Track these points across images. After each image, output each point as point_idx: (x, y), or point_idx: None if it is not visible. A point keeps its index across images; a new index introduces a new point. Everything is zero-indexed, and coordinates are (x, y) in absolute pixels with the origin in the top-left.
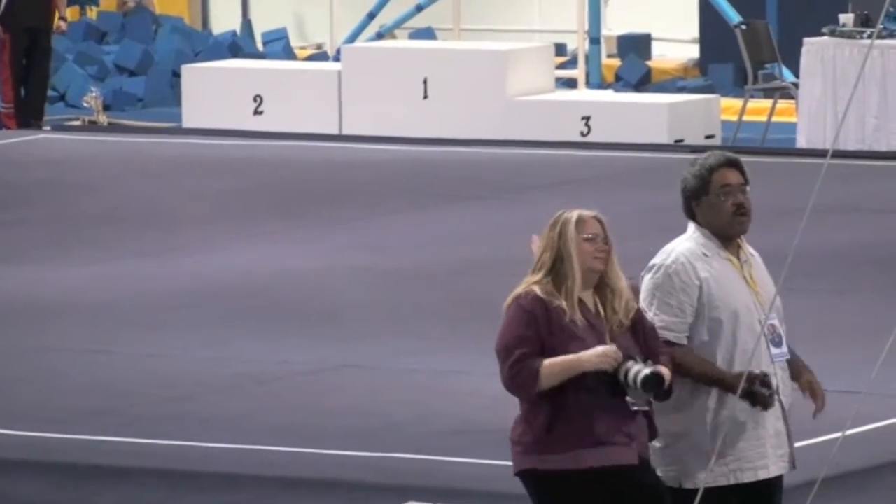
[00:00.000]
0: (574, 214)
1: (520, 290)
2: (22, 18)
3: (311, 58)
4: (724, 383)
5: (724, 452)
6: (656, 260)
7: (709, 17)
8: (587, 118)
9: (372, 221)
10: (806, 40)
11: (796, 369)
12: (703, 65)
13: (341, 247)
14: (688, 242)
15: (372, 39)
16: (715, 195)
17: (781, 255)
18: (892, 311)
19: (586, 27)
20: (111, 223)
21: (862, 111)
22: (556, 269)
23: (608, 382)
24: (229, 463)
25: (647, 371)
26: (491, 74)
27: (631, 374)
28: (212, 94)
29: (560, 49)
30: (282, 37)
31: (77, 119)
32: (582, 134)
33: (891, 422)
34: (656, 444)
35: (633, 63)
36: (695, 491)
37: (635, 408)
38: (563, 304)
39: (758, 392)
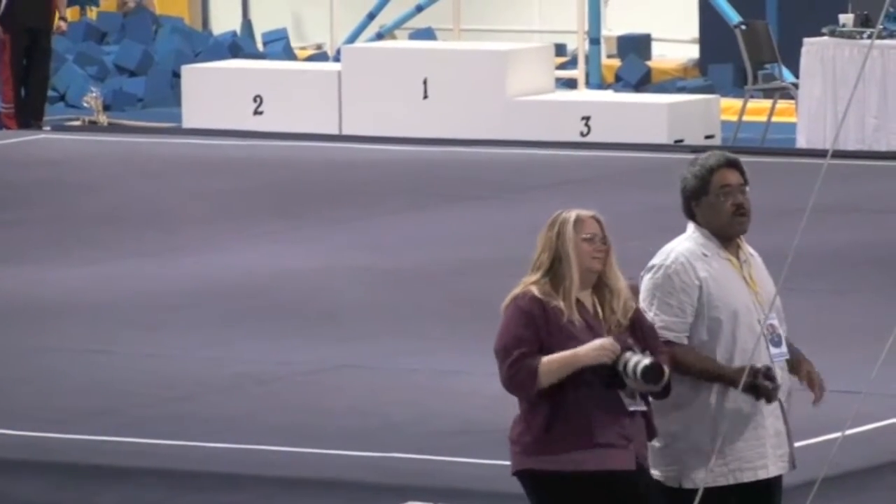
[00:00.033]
0: (572, 214)
1: (517, 290)
2: (22, 18)
3: (311, 58)
4: (726, 378)
5: (723, 452)
6: (656, 260)
7: (709, 18)
8: (587, 118)
9: (372, 221)
10: (806, 40)
11: (795, 360)
12: (702, 65)
13: (341, 247)
14: (687, 242)
15: (372, 40)
16: (714, 195)
17: (781, 255)
18: (892, 311)
19: (586, 27)
20: (111, 223)
21: (862, 111)
22: (554, 270)
23: (607, 375)
24: (229, 463)
25: (646, 361)
26: (491, 75)
27: (630, 365)
28: (212, 94)
29: (560, 49)
30: (282, 37)
31: (77, 119)
32: (582, 134)
33: (891, 422)
34: (656, 443)
35: (632, 63)
36: (694, 491)
37: (632, 408)
38: (561, 304)
39: (761, 385)
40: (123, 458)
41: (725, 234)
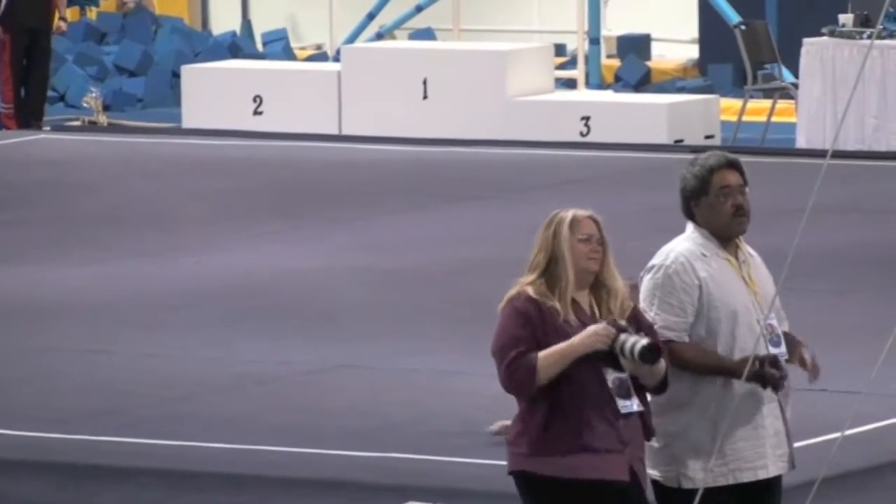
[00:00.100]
0: (569, 215)
1: (513, 291)
2: (22, 19)
3: (310, 58)
4: (729, 370)
5: (723, 452)
6: (655, 260)
7: (708, 18)
8: (587, 118)
9: (372, 221)
10: (805, 40)
11: (790, 344)
12: (702, 65)
13: (341, 247)
14: (686, 243)
15: (371, 40)
16: (714, 196)
17: (781, 255)
18: (892, 311)
19: (586, 27)
20: (111, 223)
21: (861, 111)
22: (550, 270)
23: (604, 360)
24: (229, 463)
25: (643, 342)
26: (491, 75)
27: (627, 346)
28: (212, 94)
29: (560, 49)
30: (281, 37)
31: (77, 119)
32: (581, 134)
33: (890, 422)
34: (655, 444)
35: (632, 63)
36: (693, 491)
37: (625, 410)
38: (557, 304)
39: (767, 373)
40: (123, 458)
41: (725, 234)
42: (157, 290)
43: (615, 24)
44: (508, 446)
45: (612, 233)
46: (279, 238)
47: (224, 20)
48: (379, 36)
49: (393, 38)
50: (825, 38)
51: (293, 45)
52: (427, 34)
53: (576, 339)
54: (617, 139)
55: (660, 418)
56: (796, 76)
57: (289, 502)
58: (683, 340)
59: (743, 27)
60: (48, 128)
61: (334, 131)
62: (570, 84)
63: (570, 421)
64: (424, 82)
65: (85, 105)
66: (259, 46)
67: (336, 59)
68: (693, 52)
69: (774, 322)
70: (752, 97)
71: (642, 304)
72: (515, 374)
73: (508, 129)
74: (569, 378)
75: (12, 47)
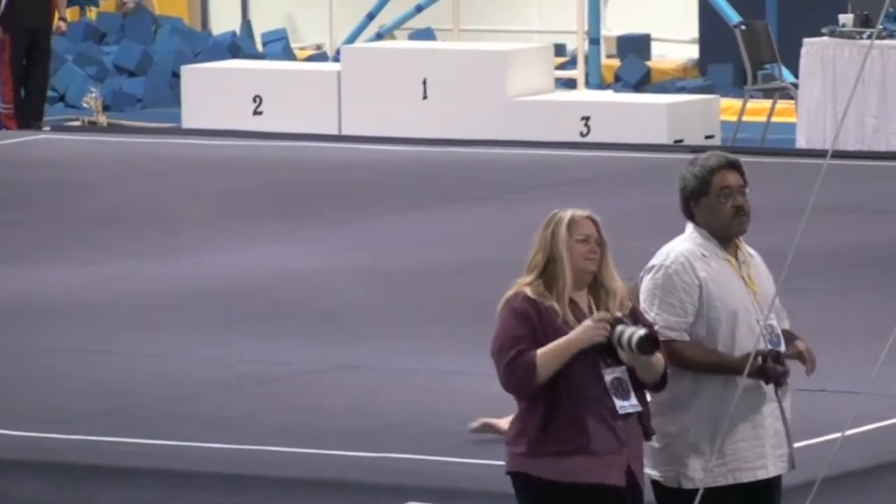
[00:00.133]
0: (567, 215)
1: (511, 292)
2: (22, 19)
3: (310, 58)
4: (730, 367)
5: (723, 452)
6: (655, 261)
7: (708, 18)
8: (587, 118)
9: (372, 221)
10: (805, 41)
11: (787, 340)
12: (702, 65)
13: (341, 247)
14: (686, 243)
15: (371, 40)
16: (715, 197)
17: (781, 255)
18: (892, 311)
19: (586, 27)
20: (111, 223)
21: (861, 111)
22: (548, 271)
23: (603, 353)
24: (229, 463)
25: (640, 332)
26: (490, 75)
27: (625, 337)
28: (211, 94)
29: (559, 49)
30: (281, 37)
31: (77, 119)
32: (581, 134)
33: (890, 422)
34: (655, 444)
35: (632, 63)
36: (693, 491)
37: (623, 411)
38: (555, 305)
39: (769, 367)
40: (123, 458)
41: (725, 234)
42: (157, 290)
43: (615, 24)
44: (507, 446)
45: (612, 233)
46: (279, 238)
47: (224, 20)
48: (379, 36)
49: (393, 38)
50: (825, 38)
51: (293, 45)
52: (427, 34)
53: (573, 333)
54: (617, 139)
55: (660, 418)
56: (796, 76)
57: (289, 502)
58: (684, 340)
59: (743, 27)
60: (48, 128)
61: (334, 131)
62: (570, 84)
63: (568, 422)
64: (424, 82)
65: (85, 105)
66: (259, 46)
67: (336, 59)
68: (693, 52)
69: (774, 322)
70: (752, 97)
71: (643, 305)
72: (515, 372)
73: (508, 129)
74: (567, 378)
75: (12, 47)
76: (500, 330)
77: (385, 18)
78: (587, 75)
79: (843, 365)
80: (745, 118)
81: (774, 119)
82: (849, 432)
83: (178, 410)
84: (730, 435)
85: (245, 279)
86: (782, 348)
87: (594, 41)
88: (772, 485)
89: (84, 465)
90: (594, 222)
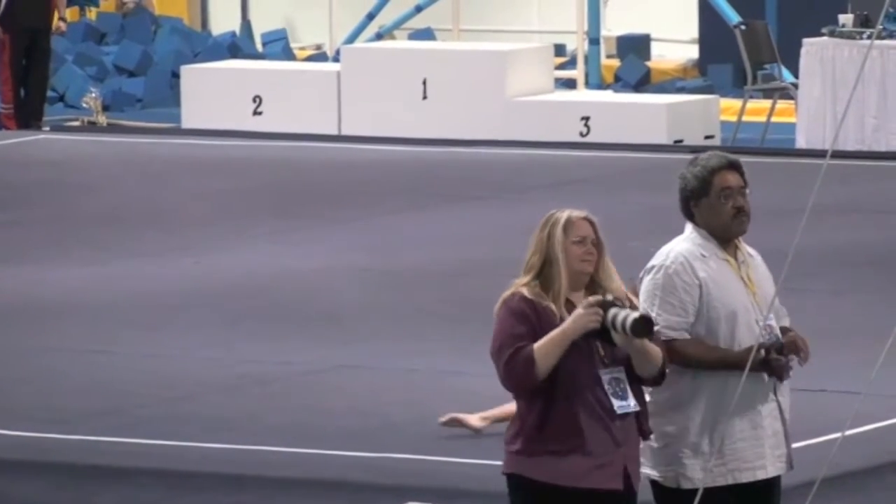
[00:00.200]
0: (563, 216)
1: (508, 292)
2: (22, 19)
3: (310, 58)
4: (732, 362)
5: (722, 452)
6: (654, 261)
7: (708, 18)
8: (586, 119)
9: (372, 222)
10: (805, 41)
11: (783, 333)
12: (702, 65)
13: (341, 247)
14: (685, 243)
15: (371, 40)
16: (715, 197)
17: (781, 255)
18: (892, 312)
19: (585, 28)
20: (111, 223)
21: (861, 111)
22: (545, 273)
23: (598, 338)
24: (229, 463)
25: (634, 315)
26: (490, 75)
27: (619, 320)
28: (211, 94)
29: (559, 49)
30: (281, 37)
31: (76, 120)
32: (581, 134)
33: (890, 422)
34: (654, 444)
35: (632, 63)
36: (692, 491)
37: (622, 411)
38: (552, 305)
39: (772, 359)
40: (123, 459)
41: (725, 235)
42: (157, 290)
43: (615, 25)
44: (505, 445)
45: (612, 233)
46: (279, 238)
47: (223, 20)
48: (378, 36)
49: (392, 38)
50: (825, 38)
51: (293, 45)
52: (427, 34)
53: (566, 323)
54: (617, 139)
55: (659, 419)
56: (796, 76)
57: (289, 502)
58: (685, 339)
59: (743, 27)
60: (48, 128)
61: (334, 131)
62: (570, 84)
63: (564, 421)
64: (424, 82)
65: (84, 105)
66: (259, 47)
67: (336, 59)
68: (693, 52)
69: (773, 322)
70: (751, 97)
71: (643, 306)
72: (515, 368)
73: (508, 130)
74: (564, 378)
75: (12, 47)
76: (498, 329)
77: (385, 18)
78: (587, 75)
79: (843, 365)
80: (744, 118)
81: (774, 119)
82: (848, 432)
83: (178, 410)
84: (729, 435)
85: (245, 279)
86: None
87: (594, 41)
88: (771, 485)
89: (84, 465)
90: (591, 223)
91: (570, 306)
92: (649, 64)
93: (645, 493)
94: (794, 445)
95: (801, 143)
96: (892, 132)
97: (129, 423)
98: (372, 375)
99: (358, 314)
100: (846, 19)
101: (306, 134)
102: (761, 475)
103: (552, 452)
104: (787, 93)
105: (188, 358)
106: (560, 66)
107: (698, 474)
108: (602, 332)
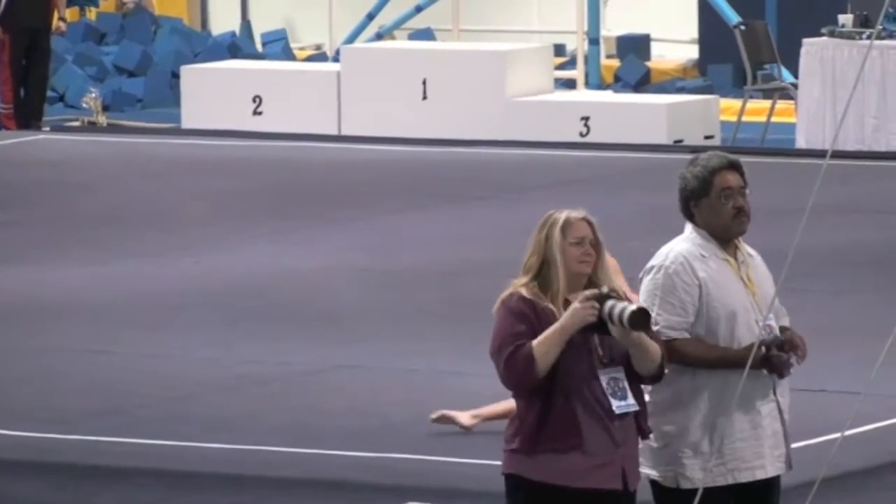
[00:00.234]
0: (561, 217)
1: (506, 293)
2: (21, 19)
3: (310, 58)
4: (733, 359)
5: (721, 452)
6: (654, 262)
7: (708, 18)
8: (586, 119)
9: (372, 222)
10: (805, 41)
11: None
12: (702, 65)
13: (341, 247)
14: (685, 243)
15: (371, 40)
16: (716, 197)
17: (781, 255)
18: (892, 312)
19: (585, 28)
20: (111, 223)
21: (861, 111)
22: (543, 273)
23: (596, 331)
24: (229, 463)
25: (632, 307)
26: (490, 75)
27: (616, 312)
28: (211, 94)
29: (559, 50)
30: (281, 37)
31: (76, 120)
32: (581, 134)
33: (890, 422)
34: (653, 444)
35: (632, 63)
36: (692, 491)
37: (620, 410)
38: (550, 306)
39: (773, 356)
40: (122, 459)
41: (725, 235)
42: (157, 290)
43: (615, 25)
44: (504, 445)
45: (612, 233)
46: (279, 238)
47: (223, 20)
48: (378, 36)
49: (392, 38)
50: (825, 38)
51: (292, 45)
52: (427, 34)
53: (564, 317)
54: (616, 139)
55: (658, 418)
56: (796, 76)
57: (289, 502)
58: (685, 338)
59: (743, 27)
60: (48, 128)
61: (334, 131)
62: (570, 84)
63: (563, 420)
64: (424, 82)
65: (84, 105)
66: (258, 47)
67: (335, 59)
68: (693, 52)
69: (773, 322)
70: (751, 97)
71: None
72: (515, 366)
73: (508, 130)
74: (564, 377)
75: (12, 47)
76: (498, 329)
77: (385, 18)
78: (587, 75)
79: (843, 365)
80: (744, 118)
81: (774, 119)
82: (848, 432)
83: (178, 410)
84: (728, 435)
85: (245, 279)
86: None
87: (594, 41)
88: (771, 485)
89: (84, 465)
90: (589, 224)
91: (569, 307)
92: (649, 64)
93: (644, 493)
94: (794, 445)
95: (801, 143)
96: (892, 132)
97: (129, 423)
98: (371, 375)
99: (357, 314)
100: (846, 19)
101: (306, 134)
102: (760, 475)
103: (550, 450)
104: (786, 93)
105: (188, 358)
106: (560, 66)
107: (698, 474)
108: (600, 326)
